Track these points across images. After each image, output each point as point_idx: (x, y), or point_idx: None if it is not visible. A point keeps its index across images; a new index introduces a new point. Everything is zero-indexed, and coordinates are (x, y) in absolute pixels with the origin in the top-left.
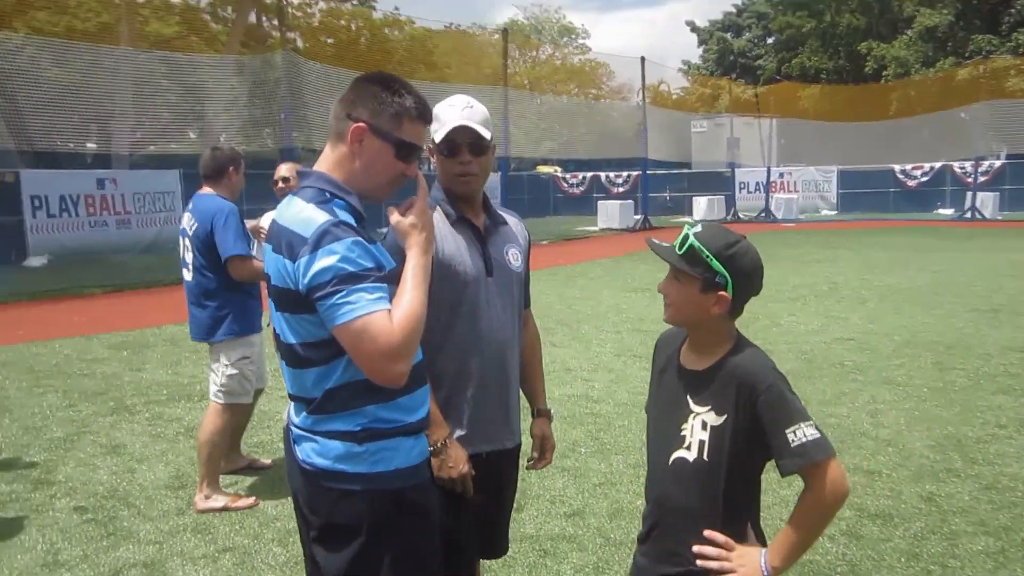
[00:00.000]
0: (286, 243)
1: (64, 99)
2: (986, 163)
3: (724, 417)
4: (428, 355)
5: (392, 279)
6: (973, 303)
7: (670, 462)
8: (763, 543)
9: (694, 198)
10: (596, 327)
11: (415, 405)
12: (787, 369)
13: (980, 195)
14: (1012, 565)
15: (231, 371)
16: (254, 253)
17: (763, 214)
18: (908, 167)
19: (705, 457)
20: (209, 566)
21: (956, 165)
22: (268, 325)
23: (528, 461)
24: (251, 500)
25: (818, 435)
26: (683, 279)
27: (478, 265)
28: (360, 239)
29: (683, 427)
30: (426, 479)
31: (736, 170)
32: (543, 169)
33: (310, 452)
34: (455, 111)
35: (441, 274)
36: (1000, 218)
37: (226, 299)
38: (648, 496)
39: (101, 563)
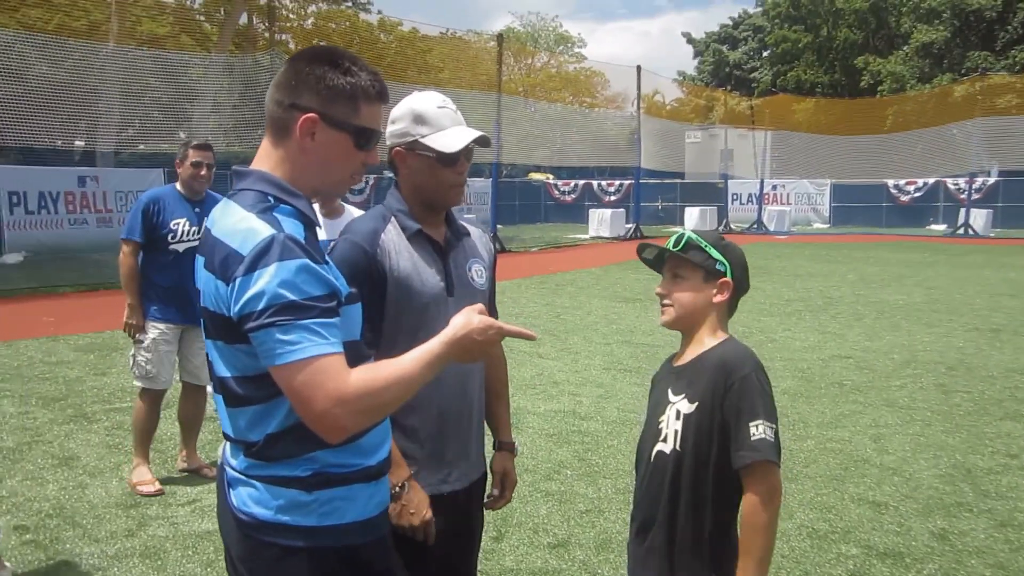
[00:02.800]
0: (220, 260)
1: (52, 96)
2: (980, 180)
3: (696, 404)
4: None
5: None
6: (972, 322)
7: (652, 458)
8: None
9: (686, 208)
10: (585, 338)
11: (374, 445)
12: (784, 387)
13: (973, 211)
14: None
15: (131, 351)
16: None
17: (755, 226)
18: (901, 182)
19: (678, 447)
20: None
21: (950, 181)
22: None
23: (487, 498)
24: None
25: (775, 440)
26: (684, 273)
27: (438, 284)
28: (308, 261)
29: (660, 420)
30: (385, 534)
31: (729, 181)
32: (535, 176)
33: (247, 500)
34: (448, 114)
35: (398, 295)
36: (992, 235)
37: (141, 279)
38: (634, 498)
39: None
